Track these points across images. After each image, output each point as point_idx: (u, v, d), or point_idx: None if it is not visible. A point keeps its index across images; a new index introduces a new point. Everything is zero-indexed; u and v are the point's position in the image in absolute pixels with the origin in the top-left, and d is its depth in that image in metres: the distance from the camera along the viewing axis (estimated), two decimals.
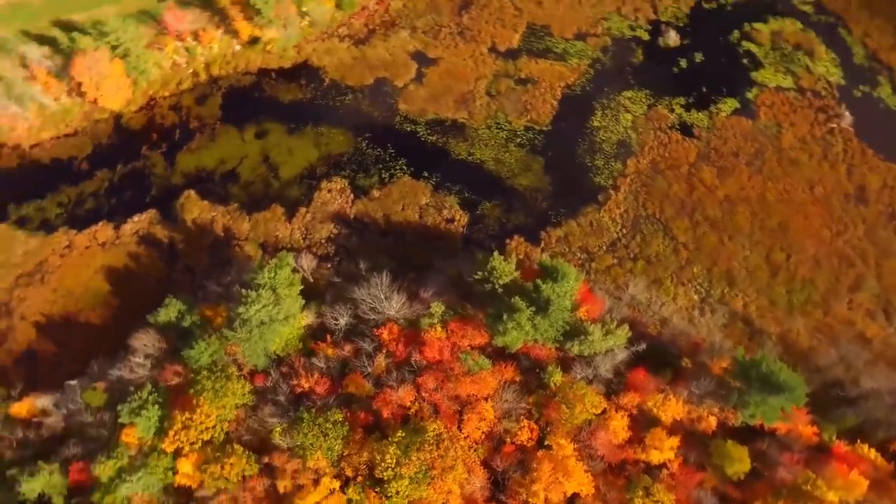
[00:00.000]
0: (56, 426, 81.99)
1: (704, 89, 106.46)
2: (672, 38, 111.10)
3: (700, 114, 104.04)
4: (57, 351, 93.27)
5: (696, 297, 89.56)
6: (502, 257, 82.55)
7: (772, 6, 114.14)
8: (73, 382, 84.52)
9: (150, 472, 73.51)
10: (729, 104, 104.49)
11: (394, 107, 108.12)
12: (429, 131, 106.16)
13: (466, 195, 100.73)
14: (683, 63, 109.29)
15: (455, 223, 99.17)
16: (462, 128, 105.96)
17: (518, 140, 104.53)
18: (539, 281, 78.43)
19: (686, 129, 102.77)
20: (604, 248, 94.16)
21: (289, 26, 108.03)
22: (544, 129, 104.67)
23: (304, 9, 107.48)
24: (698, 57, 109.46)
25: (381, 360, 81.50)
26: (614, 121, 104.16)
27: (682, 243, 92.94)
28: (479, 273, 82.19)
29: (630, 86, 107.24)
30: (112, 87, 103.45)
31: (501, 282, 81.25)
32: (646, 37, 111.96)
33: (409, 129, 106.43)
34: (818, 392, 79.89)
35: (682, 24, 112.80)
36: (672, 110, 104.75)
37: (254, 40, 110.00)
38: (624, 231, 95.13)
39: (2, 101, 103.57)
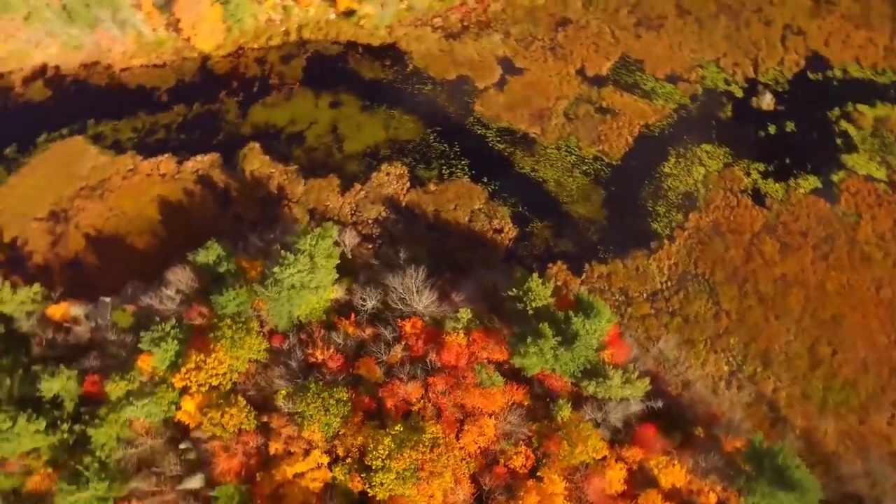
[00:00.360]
0: (83, 336, 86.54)
1: (788, 161, 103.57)
2: (766, 102, 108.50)
3: (777, 185, 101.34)
4: (99, 266, 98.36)
5: (726, 368, 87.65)
6: (541, 280, 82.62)
7: (883, 91, 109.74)
8: (107, 300, 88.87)
9: (155, 401, 76.72)
10: (810, 182, 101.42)
11: (469, 107, 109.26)
12: (498, 138, 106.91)
13: (520, 210, 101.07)
14: (772, 129, 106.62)
15: (502, 235, 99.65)
16: (532, 142, 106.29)
17: (584, 167, 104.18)
18: (571, 313, 78.23)
19: (758, 197, 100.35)
20: (644, 295, 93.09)
21: (386, 6, 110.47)
22: (613, 162, 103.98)
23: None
24: (790, 126, 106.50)
25: (397, 351, 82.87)
26: (686, 171, 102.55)
27: (726, 311, 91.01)
28: (515, 290, 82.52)
29: (711, 140, 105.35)
30: (207, 30, 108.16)
31: (534, 304, 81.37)
32: (739, 94, 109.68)
33: (479, 131, 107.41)
34: (833, 502, 77.21)
35: (780, 90, 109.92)
36: (748, 174, 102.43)
37: (349, 12, 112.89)
38: (668, 283, 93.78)
39: (106, 23, 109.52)
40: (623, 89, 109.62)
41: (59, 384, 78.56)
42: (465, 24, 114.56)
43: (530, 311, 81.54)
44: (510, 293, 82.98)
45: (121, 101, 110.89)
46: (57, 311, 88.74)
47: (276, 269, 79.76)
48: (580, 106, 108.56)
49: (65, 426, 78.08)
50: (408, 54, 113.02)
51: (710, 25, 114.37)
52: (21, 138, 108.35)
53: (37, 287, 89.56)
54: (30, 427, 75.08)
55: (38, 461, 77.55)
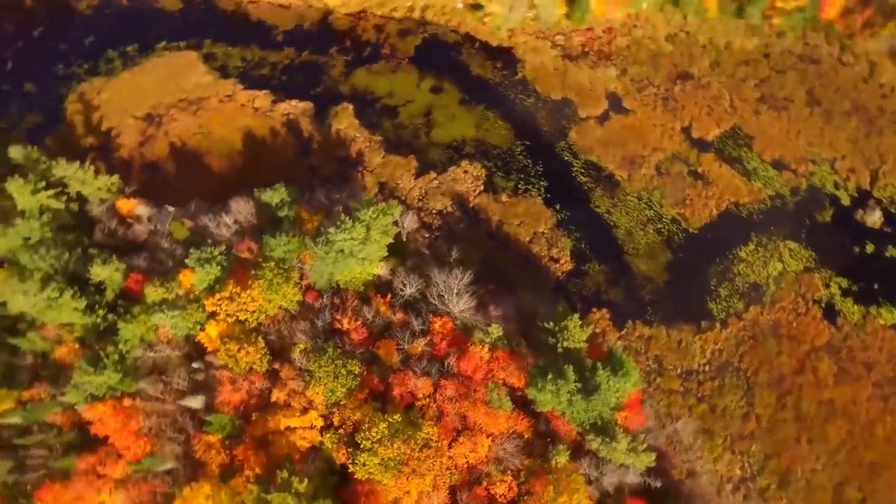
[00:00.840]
0: (140, 235, 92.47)
1: (876, 286, 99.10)
2: (874, 219, 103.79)
3: (856, 307, 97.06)
4: (174, 175, 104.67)
5: (738, 472, 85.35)
6: (580, 322, 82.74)
7: None
8: (171, 209, 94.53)
9: (183, 316, 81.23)
10: (893, 316, 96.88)
11: (565, 131, 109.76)
12: (583, 170, 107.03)
13: (582, 246, 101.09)
14: (870, 248, 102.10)
15: (557, 265, 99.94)
16: (615, 185, 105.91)
17: (659, 225, 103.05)
18: (600, 365, 78.07)
19: (830, 312, 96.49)
20: (678, 371, 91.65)
21: (514, 10, 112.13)
22: (690, 229, 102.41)
23: (536, 0, 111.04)
24: (891, 251, 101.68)
25: (420, 344, 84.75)
26: (762, 262, 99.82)
27: (757, 415, 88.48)
28: (551, 324, 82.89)
29: (799, 239, 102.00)
30: None
31: (566, 343, 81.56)
32: (846, 201, 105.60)
33: (566, 158, 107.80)
34: None
35: (893, 210, 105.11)
36: (828, 286, 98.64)
37: (476, 6, 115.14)
38: (707, 368, 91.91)
39: None
40: (724, 160, 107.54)
41: (107, 272, 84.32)
42: (586, 49, 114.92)
43: (560, 349, 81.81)
44: (546, 325, 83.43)
45: (240, 29, 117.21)
46: (125, 205, 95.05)
47: (331, 230, 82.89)
48: (675, 164, 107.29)
49: (101, 312, 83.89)
50: (521, 62, 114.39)
51: (837, 122, 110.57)
52: (143, 41, 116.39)
53: (115, 179, 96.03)
54: (72, 303, 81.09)
55: (70, 335, 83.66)
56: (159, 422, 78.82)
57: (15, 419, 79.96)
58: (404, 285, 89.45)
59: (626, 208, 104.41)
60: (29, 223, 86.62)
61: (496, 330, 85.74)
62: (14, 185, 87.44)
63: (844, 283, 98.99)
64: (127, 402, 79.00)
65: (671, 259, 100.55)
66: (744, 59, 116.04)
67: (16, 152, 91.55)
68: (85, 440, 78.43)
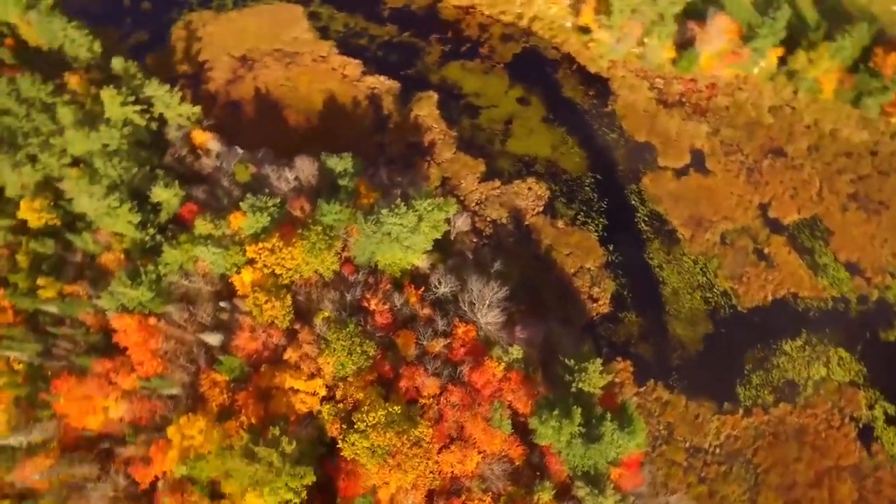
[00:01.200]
0: (205, 168, 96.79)
1: None
2: None
3: None
4: (251, 119, 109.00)
5: None
6: (602, 368, 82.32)
7: None
8: (239, 151, 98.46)
9: (224, 255, 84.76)
10: None
11: (639, 175, 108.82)
12: (646, 218, 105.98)
13: (624, 293, 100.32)
14: None
15: (595, 305, 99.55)
16: (675, 242, 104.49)
17: (708, 295, 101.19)
18: (609, 416, 77.65)
19: (866, 435, 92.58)
20: (687, 444, 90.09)
21: (622, 42, 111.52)
22: (739, 307, 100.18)
23: (645, 39, 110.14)
24: None
25: (438, 344, 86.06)
26: (805, 362, 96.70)
27: None
28: (572, 361, 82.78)
29: (853, 350, 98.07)
30: None
31: (581, 385, 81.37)
32: None
33: (633, 202, 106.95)
34: None
35: None
36: (871, 408, 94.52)
37: (585, 29, 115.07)
38: (717, 451, 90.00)
39: None
40: (794, 248, 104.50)
41: (166, 195, 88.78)
42: (683, 99, 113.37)
43: (574, 388, 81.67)
44: (567, 361, 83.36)
45: None
46: (200, 136, 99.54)
47: (384, 211, 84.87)
48: (742, 237, 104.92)
49: (151, 231, 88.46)
50: (613, 96, 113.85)
51: None
52: None
53: (197, 109, 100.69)
54: (128, 215, 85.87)
55: (119, 245, 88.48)
56: (176, 348, 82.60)
57: (53, 308, 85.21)
58: (440, 283, 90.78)
59: (679, 268, 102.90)
60: (111, 132, 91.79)
61: (516, 351, 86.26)
62: (107, 94, 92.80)
63: (892, 409, 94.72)
64: (152, 320, 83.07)
65: (711, 331, 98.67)
66: (847, 150, 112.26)
67: (117, 63, 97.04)
68: (106, 346, 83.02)
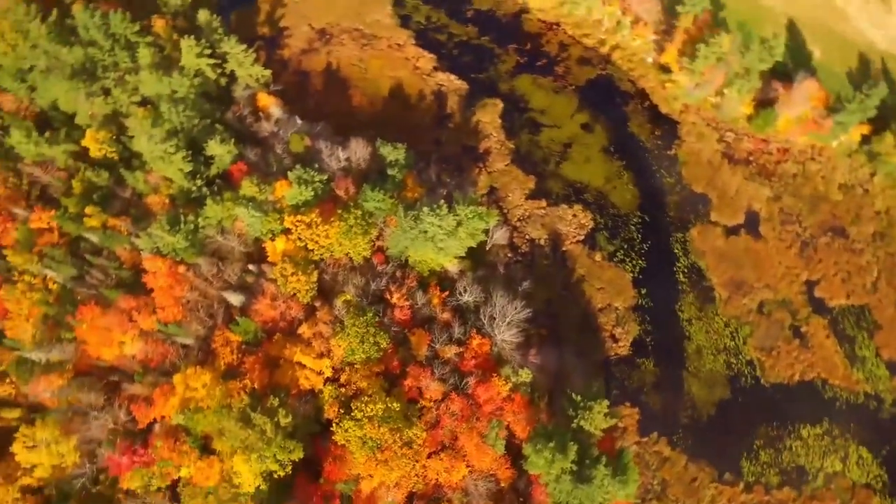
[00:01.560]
0: (262, 132, 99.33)
1: None
2: None
3: None
4: (316, 92, 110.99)
5: None
6: (607, 410, 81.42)
7: None
8: (298, 121, 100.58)
9: (262, 220, 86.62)
10: None
11: (687, 226, 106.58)
12: (685, 269, 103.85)
13: (647, 340, 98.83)
14: None
15: (615, 345, 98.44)
16: (710, 300, 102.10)
17: (732, 360, 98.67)
18: (604, 460, 76.86)
19: None
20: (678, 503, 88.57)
21: (700, 88, 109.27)
22: (762, 379, 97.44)
23: (725, 89, 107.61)
24: None
25: (450, 350, 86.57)
26: (821, 452, 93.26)
27: None
28: (578, 397, 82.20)
29: (877, 453, 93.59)
30: None
31: (582, 422, 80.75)
32: None
33: (676, 251, 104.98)
34: None
35: None
36: None
37: (665, 69, 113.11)
38: None
39: None
40: (834, 333, 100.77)
41: (220, 150, 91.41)
42: (750, 158, 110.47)
43: (574, 424, 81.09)
44: (573, 395, 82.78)
45: None
46: (264, 100, 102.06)
47: (425, 209, 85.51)
48: (780, 310, 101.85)
49: (199, 182, 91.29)
50: (679, 140, 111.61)
51: None
52: None
53: (268, 73, 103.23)
54: (180, 163, 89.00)
55: (166, 189, 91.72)
56: (198, 300, 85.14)
57: (94, 238, 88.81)
58: (465, 290, 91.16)
59: (708, 327, 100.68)
60: (182, 80, 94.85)
61: (526, 375, 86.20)
62: (185, 43, 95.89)
63: None
64: (182, 269, 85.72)
65: (728, 397, 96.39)
66: None
67: (202, 15, 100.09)
68: (134, 284, 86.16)
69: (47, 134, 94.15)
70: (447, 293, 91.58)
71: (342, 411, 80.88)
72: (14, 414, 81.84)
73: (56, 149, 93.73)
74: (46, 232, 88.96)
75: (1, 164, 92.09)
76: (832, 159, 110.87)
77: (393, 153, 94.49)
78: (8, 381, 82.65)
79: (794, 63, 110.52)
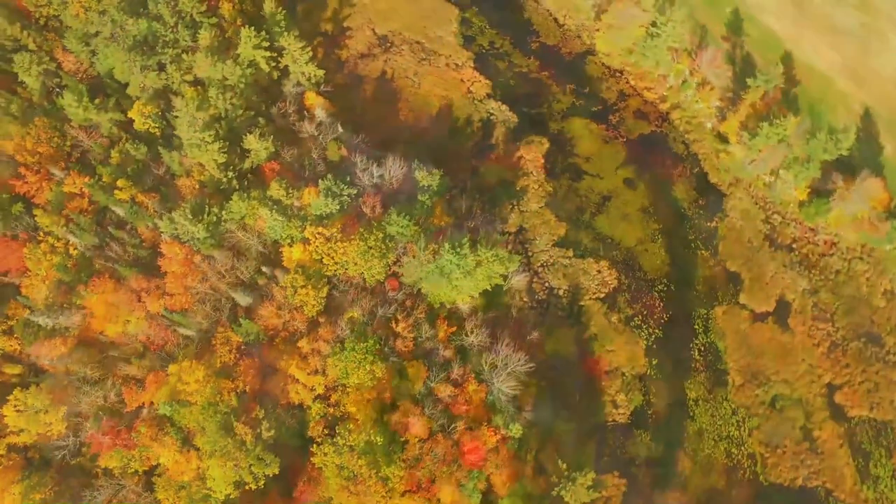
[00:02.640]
0: (303, 132, 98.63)
1: None
2: None
3: None
4: (365, 97, 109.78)
5: None
6: (593, 481, 78.86)
7: None
8: (340, 129, 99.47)
9: (283, 225, 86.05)
10: None
11: (713, 301, 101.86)
12: (702, 348, 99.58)
13: (648, 412, 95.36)
14: None
15: (614, 411, 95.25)
16: (721, 384, 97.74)
17: (733, 450, 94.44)
18: None
19: None
20: None
21: (754, 165, 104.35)
22: (761, 476, 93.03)
23: (781, 171, 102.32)
24: None
25: (445, 391, 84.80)
26: None
27: None
28: (564, 466, 79.83)
29: None
30: (615, 35, 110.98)
31: (563, 492, 78.73)
32: None
33: (696, 326, 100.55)
34: None
35: None
36: None
37: (721, 137, 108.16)
38: None
39: None
40: (849, 444, 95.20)
41: (257, 146, 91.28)
42: (794, 246, 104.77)
43: (554, 492, 78.77)
44: (560, 461, 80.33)
45: (510, 16, 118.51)
46: (311, 99, 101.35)
47: (446, 245, 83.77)
48: (794, 409, 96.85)
49: (230, 174, 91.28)
50: (723, 214, 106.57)
51: None
52: None
53: (320, 73, 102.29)
54: (215, 154, 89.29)
55: (198, 175, 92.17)
56: (207, 293, 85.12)
57: (120, 211, 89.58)
58: (472, 332, 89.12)
59: (714, 411, 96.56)
60: (234, 68, 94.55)
61: (516, 430, 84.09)
62: (245, 33, 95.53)
63: None
64: (198, 258, 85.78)
65: (721, 487, 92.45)
66: None
67: (268, 6, 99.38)
68: (149, 265, 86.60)
69: (98, 100, 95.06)
70: (454, 329, 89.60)
71: (326, 432, 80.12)
72: (15, 370, 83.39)
73: (103, 115, 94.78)
74: (77, 197, 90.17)
75: (49, 124, 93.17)
76: (882, 263, 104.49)
77: (427, 178, 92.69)
78: (14, 337, 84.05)
79: (860, 155, 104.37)
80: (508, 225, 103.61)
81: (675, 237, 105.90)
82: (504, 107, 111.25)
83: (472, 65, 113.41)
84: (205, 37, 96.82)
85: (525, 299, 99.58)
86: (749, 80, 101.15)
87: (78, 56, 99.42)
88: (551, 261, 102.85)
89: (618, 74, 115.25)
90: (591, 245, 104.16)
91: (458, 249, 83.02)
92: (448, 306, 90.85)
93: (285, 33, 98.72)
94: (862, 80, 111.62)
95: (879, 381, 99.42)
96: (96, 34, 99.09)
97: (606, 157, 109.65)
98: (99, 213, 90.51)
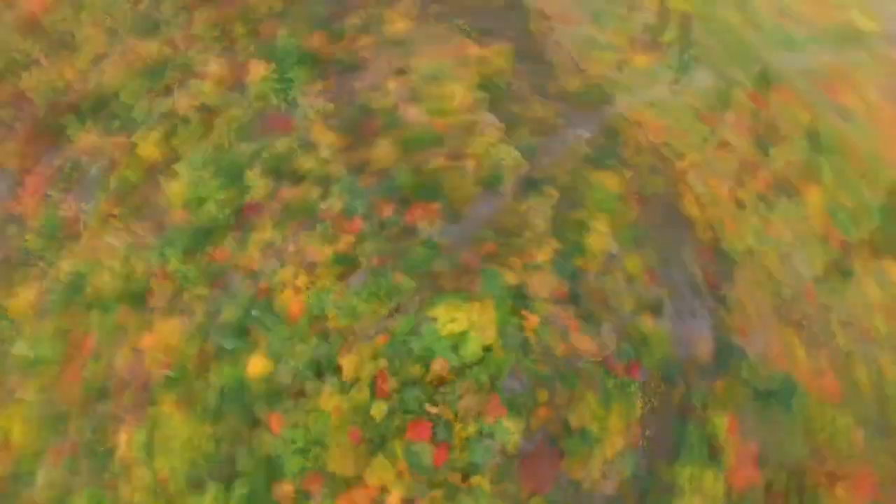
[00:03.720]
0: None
1: None
2: None
3: None
4: (373, 134, 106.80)
5: None
6: None
7: None
8: (344, 170, 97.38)
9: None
10: None
11: (716, 374, 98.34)
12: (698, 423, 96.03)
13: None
14: None
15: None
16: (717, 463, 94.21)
17: None
18: None
19: None
20: None
21: (770, 237, 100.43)
22: None
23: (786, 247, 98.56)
24: None
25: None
26: None
27: None
28: None
29: None
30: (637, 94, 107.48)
31: None
32: None
33: (695, 400, 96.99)
34: None
35: None
36: None
37: (739, 203, 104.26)
38: None
39: None
40: None
41: (256, 183, 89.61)
42: (803, 322, 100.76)
43: None
44: None
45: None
46: (319, 134, 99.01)
47: None
48: None
49: (227, 211, 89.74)
50: (731, 282, 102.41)
51: None
52: None
53: (331, 107, 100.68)
54: (215, 192, 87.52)
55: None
56: None
57: (115, 241, 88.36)
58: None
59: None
60: (242, 99, 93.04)
61: None
62: (255, 66, 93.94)
63: None
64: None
65: None
66: None
67: (281, 37, 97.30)
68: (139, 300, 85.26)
69: (103, 122, 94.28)
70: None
71: None
72: None
73: (106, 139, 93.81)
74: (72, 222, 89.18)
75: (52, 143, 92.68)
76: None
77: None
78: None
79: (883, 237, 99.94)
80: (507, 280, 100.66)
81: (680, 303, 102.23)
82: (516, 153, 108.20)
83: (487, 107, 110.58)
84: (214, 65, 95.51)
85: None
86: (772, 151, 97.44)
87: (86, 75, 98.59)
88: (549, 317, 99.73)
89: (636, 126, 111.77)
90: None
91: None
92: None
93: (296, 66, 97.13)
94: None
95: None
96: (106, 55, 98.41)
97: (620, 214, 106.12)
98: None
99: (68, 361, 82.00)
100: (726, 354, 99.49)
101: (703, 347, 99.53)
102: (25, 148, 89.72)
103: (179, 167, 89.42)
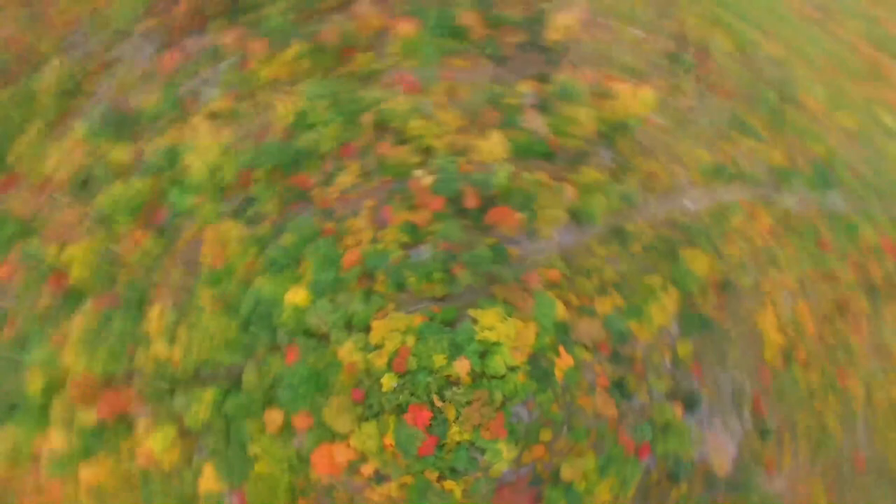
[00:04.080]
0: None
1: None
2: None
3: None
4: None
5: None
6: None
7: None
8: None
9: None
10: None
11: None
12: None
13: None
14: None
15: None
16: None
17: None
18: None
19: None
20: None
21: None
22: None
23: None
24: None
25: None
26: None
27: None
28: None
29: None
30: None
31: None
32: None
33: None
34: None
35: None
36: None
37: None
38: None
39: None
40: None
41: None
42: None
43: None
44: None
45: None
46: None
47: None
48: None
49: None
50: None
51: None
52: None
53: None
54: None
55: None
56: None
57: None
58: None
59: None
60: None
61: None
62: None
63: None
64: None
65: None
66: None
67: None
68: None
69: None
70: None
71: None
72: None
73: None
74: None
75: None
76: None
77: None
78: None
79: None
80: None
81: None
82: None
83: None
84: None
85: None
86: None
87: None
88: None
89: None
90: None
91: None
92: None
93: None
94: None
95: None
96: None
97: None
98: None
99: (137, 226, 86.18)
100: (743, 478, 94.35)
101: (721, 462, 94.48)
102: (177, 23, 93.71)
103: (299, 88, 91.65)
